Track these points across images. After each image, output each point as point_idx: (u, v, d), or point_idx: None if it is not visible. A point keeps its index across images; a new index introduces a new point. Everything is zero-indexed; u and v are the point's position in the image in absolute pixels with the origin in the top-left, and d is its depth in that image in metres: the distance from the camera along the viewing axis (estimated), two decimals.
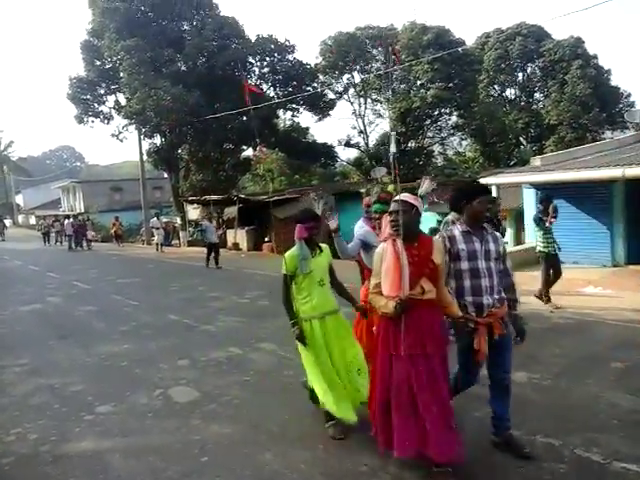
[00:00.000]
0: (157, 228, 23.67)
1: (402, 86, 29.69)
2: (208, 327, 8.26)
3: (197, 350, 6.86)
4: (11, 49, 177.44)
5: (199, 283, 13.20)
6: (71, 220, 27.42)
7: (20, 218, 59.24)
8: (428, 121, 29.79)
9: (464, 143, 34.82)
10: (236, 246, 21.92)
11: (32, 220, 51.59)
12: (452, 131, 31.56)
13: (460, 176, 28.32)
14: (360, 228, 4.87)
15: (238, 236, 22.16)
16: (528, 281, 9.14)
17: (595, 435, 3.95)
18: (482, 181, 14.04)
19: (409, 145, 30.89)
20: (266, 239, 21.07)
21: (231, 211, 23.24)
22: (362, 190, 17.99)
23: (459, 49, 26.59)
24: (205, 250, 16.50)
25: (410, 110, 27.58)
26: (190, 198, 27.03)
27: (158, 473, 3.80)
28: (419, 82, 28.21)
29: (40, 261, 20.28)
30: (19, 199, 62.97)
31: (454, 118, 30.81)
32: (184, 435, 4.40)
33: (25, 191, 62.46)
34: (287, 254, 4.27)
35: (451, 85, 27.58)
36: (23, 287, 13.62)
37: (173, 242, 26.52)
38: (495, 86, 35.63)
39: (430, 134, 31.30)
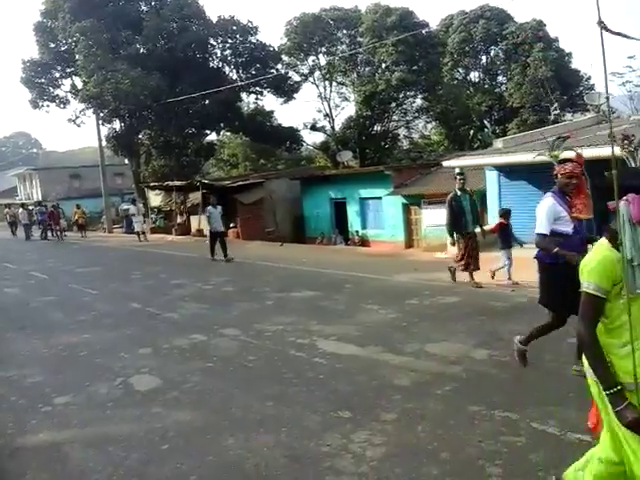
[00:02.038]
0: (135, 215, 21.61)
1: (367, 69, 29.64)
2: (171, 315, 8.13)
3: (160, 338, 6.75)
4: None
5: (160, 270, 12.99)
6: (36, 208, 25.71)
7: None
8: (393, 104, 29.84)
9: (429, 126, 35.14)
10: (200, 232, 21.60)
11: None
12: (417, 114, 31.74)
13: (425, 159, 28.59)
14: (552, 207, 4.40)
15: (202, 222, 21.83)
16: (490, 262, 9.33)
17: (551, 408, 4.05)
18: (445, 164, 14.22)
19: (374, 129, 30.93)
20: (231, 225, 20.84)
21: (195, 197, 22.90)
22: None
23: (423, 31, 26.64)
24: (208, 240, 14.64)
25: (375, 93, 27.58)
26: (152, 184, 26.47)
27: (118, 462, 3.73)
28: (384, 65, 28.19)
29: None
30: None
31: (419, 101, 30.99)
32: (145, 423, 4.33)
33: None
34: (599, 254, 2.27)
35: (415, 68, 27.66)
36: None
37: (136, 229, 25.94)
38: (459, 69, 35.91)
39: (395, 117, 31.40)
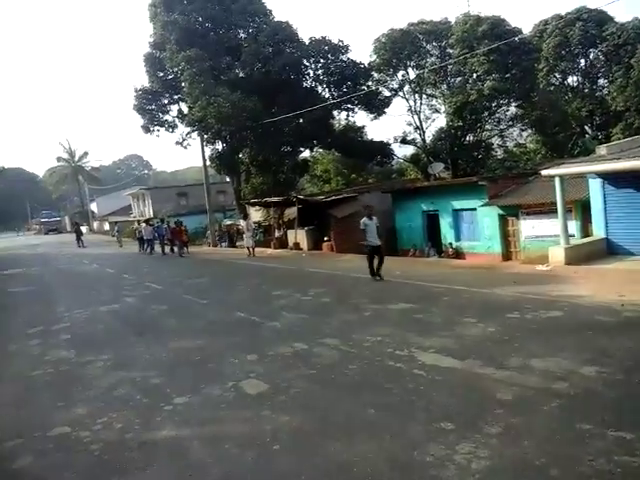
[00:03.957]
0: (246, 231, 21.45)
1: (458, 80, 29.10)
2: (274, 323, 8.55)
3: (264, 345, 7.13)
4: (82, 66, 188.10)
5: (262, 282, 13.61)
6: (160, 225, 26.29)
7: (95, 224, 62.71)
8: (486, 113, 28.99)
9: (524, 134, 33.58)
10: (297, 246, 22.35)
11: (106, 226, 54.46)
12: (511, 122, 30.54)
13: (521, 168, 27.45)
14: None
15: (299, 236, 22.57)
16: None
17: None
18: (544, 172, 13.64)
19: (467, 139, 30.22)
20: (325, 238, 21.34)
21: (291, 212, 23.72)
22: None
23: (516, 38, 25.75)
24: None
25: (467, 103, 26.97)
26: (252, 200, 27.83)
27: (234, 459, 4.05)
28: (475, 75, 27.52)
29: (115, 264, 21.47)
30: (94, 206, 66.74)
31: (513, 109, 29.83)
32: (256, 425, 4.64)
33: (99, 199, 66.17)
34: None
35: (508, 76, 26.75)
36: (102, 289, 14.53)
37: (237, 244, 27.31)
38: (556, 74, 34.17)
39: (488, 127, 30.43)
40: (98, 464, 4.19)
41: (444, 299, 9.54)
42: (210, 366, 6.48)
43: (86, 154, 71.89)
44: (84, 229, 48.56)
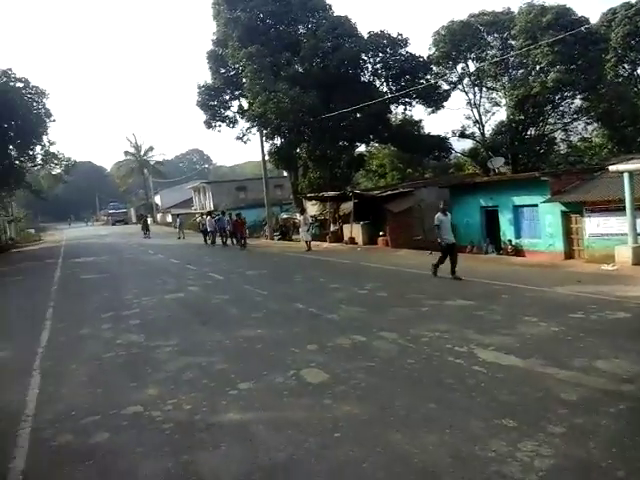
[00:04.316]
0: (302, 224, 22.02)
1: (520, 72, 28.14)
2: (332, 316, 8.70)
3: (323, 336, 7.30)
4: (149, 65, 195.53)
5: (319, 275, 13.82)
6: (222, 217, 26.96)
7: (159, 216, 65.18)
8: (549, 107, 27.92)
9: (590, 128, 32.01)
10: (352, 240, 22.44)
11: (169, 218, 56.48)
12: (576, 116, 29.21)
13: (586, 164, 26.29)
14: None
15: (354, 230, 22.65)
16: None
17: None
18: (612, 168, 13.05)
19: (528, 133, 29.22)
20: (381, 233, 21.31)
21: (347, 206, 23.81)
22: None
23: (582, 28, 24.59)
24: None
25: (529, 96, 26.07)
26: (308, 195, 28.13)
27: (298, 444, 4.20)
28: (538, 66, 26.52)
29: (179, 255, 22.28)
30: (157, 199, 69.39)
31: (578, 102, 28.51)
32: (318, 412, 4.79)
33: (162, 192, 68.70)
34: None
35: (574, 67, 25.60)
36: (167, 278, 15.16)
37: (293, 237, 27.71)
38: (624, 65, 32.35)
39: (551, 120, 29.27)
40: (169, 442, 4.42)
41: (504, 297, 9.39)
42: (272, 354, 6.70)
43: (151, 148, 74.93)
44: (149, 221, 50.56)
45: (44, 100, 29.62)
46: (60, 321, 9.91)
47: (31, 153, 31.65)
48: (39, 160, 32.93)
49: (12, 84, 27.99)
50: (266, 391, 5.44)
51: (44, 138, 30.96)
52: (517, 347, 6.25)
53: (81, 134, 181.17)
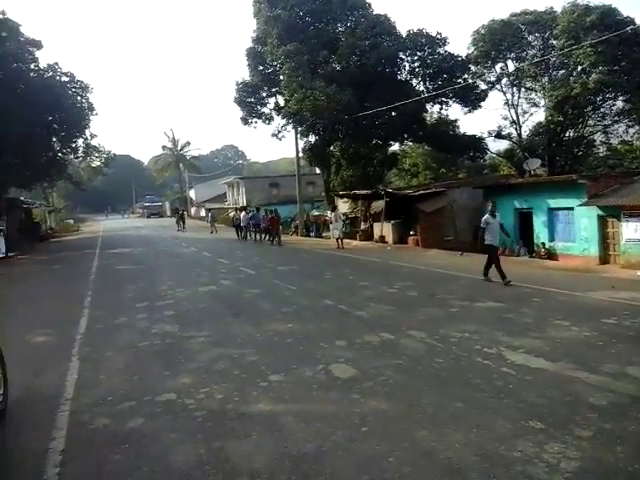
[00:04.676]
0: (333, 222, 22.20)
1: (560, 72, 27.53)
2: (361, 313, 8.80)
3: (352, 333, 7.40)
4: (189, 61, 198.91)
5: (349, 272, 13.92)
6: (256, 213, 27.12)
7: (192, 210, 66.36)
8: (589, 108, 27.24)
9: (631, 131, 31.02)
10: (382, 239, 22.44)
11: (202, 212, 57.43)
12: (617, 118, 28.39)
13: (626, 167, 25.54)
14: None
15: (384, 229, 22.63)
16: None
17: None
18: None
19: (567, 135, 28.56)
20: (411, 232, 21.24)
21: (378, 205, 23.80)
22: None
23: (628, 29, 23.86)
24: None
25: (569, 97, 25.48)
26: (340, 193, 28.21)
27: (326, 437, 4.31)
28: (580, 67, 25.90)
29: (212, 249, 22.71)
30: (192, 193, 70.62)
31: (620, 104, 27.69)
32: (346, 407, 4.89)
33: (197, 186, 69.98)
34: None
35: (617, 68, 24.89)
36: (200, 271, 15.51)
37: (324, 234, 27.86)
38: None
39: (591, 122, 28.52)
40: (201, 430, 4.57)
41: (535, 300, 9.30)
42: (301, 348, 6.84)
43: (188, 143, 76.32)
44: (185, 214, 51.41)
45: (88, 94, 30.29)
46: (97, 309, 10.27)
47: (73, 145, 32.37)
48: (80, 152, 33.73)
49: (58, 78, 28.78)
50: (296, 384, 5.56)
51: (86, 131, 31.71)
52: (547, 350, 6.22)
53: (122, 128, 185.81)
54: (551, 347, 6.36)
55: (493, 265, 11.27)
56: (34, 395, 5.71)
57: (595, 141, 30.36)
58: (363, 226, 24.86)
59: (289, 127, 29.77)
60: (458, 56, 28.48)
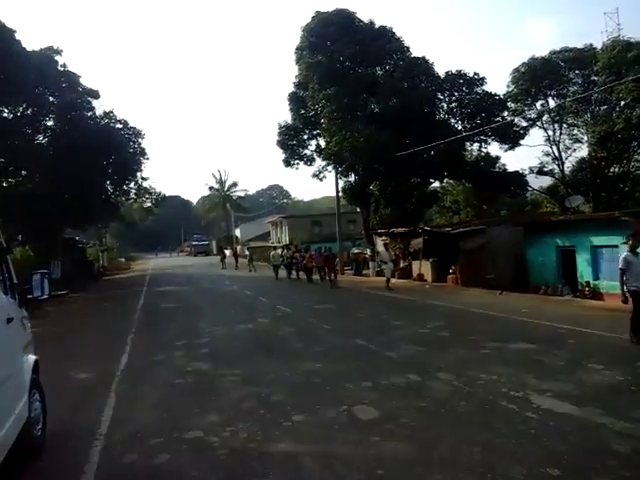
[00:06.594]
0: (386, 261, 21.79)
1: (603, 108, 27.26)
2: (391, 353, 8.82)
3: (379, 374, 7.44)
4: (236, 106, 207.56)
5: (383, 311, 13.93)
6: (295, 251, 27.63)
7: (238, 248, 67.92)
8: (634, 143, 26.70)
9: None
10: (421, 277, 22.30)
11: (246, 251, 58.64)
12: None
13: None
14: None
15: (423, 267, 22.52)
16: None
17: None
18: None
19: (611, 170, 27.96)
20: (450, 270, 21.03)
21: (417, 242, 23.74)
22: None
23: None
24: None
25: (612, 133, 25.14)
26: (379, 231, 28.36)
27: (342, 478, 4.38)
28: (622, 102, 25.62)
29: (253, 287, 23.14)
30: (237, 232, 72.36)
31: None
32: (364, 448, 4.93)
33: (242, 225, 71.78)
34: None
35: None
36: (239, 308, 15.91)
37: (363, 272, 27.92)
38: None
39: (637, 157, 27.92)
40: (223, 467, 4.71)
41: (570, 342, 9.08)
42: (327, 389, 6.93)
43: (235, 184, 78.84)
44: (227, 252, 52.55)
45: (140, 140, 32.04)
46: (139, 347, 10.68)
47: (125, 188, 33.98)
48: (132, 194, 35.35)
49: (113, 125, 30.62)
50: (317, 424, 5.64)
51: (138, 174, 33.23)
52: (576, 395, 6.08)
53: (172, 169, 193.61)
54: (580, 391, 6.22)
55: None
56: (71, 429, 6.02)
57: None
58: (402, 264, 24.80)
59: (329, 167, 30.45)
60: (496, 95, 28.72)
